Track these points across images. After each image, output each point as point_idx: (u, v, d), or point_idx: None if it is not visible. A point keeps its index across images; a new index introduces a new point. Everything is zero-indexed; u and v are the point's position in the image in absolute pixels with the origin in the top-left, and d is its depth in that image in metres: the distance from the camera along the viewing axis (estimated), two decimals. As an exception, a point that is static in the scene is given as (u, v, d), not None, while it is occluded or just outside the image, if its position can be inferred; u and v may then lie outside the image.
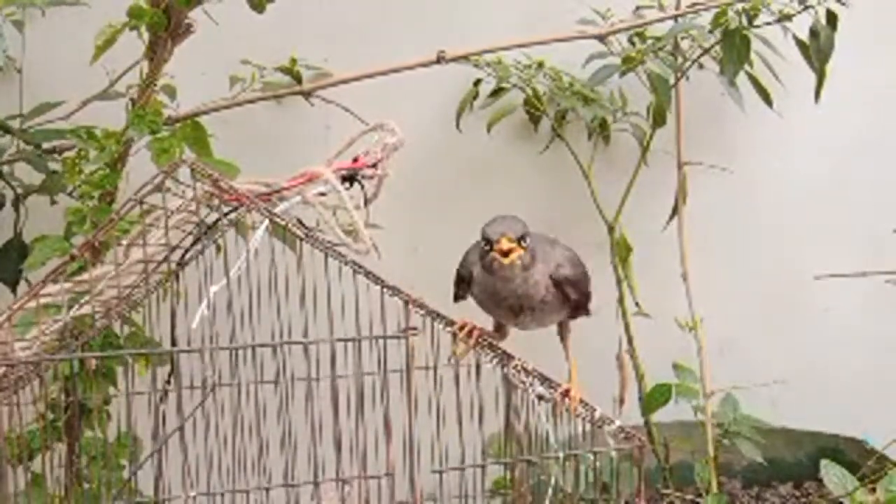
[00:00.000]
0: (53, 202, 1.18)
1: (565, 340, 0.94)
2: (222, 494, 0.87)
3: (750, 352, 1.39)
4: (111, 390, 1.05)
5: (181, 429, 0.84)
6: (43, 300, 0.86)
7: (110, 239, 0.92)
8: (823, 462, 1.12)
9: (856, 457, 1.27)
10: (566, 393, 0.88)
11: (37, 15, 1.22)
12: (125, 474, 1.02)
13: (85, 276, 0.88)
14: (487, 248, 0.87)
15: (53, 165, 1.15)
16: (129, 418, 0.88)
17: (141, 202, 0.84)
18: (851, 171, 1.41)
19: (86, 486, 1.02)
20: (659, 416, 1.28)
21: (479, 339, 0.89)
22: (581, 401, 0.88)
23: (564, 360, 0.93)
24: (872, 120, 1.40)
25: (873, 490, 1.08)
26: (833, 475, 1.10)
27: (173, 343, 0.96)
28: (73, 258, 0.87)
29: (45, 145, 1.17)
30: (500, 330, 0.93)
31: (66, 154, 1.13)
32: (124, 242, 0.88)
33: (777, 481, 1.37)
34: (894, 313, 1.37)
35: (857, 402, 1.39)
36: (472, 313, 0.92)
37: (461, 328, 0.89)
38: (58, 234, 1.03)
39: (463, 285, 0.92)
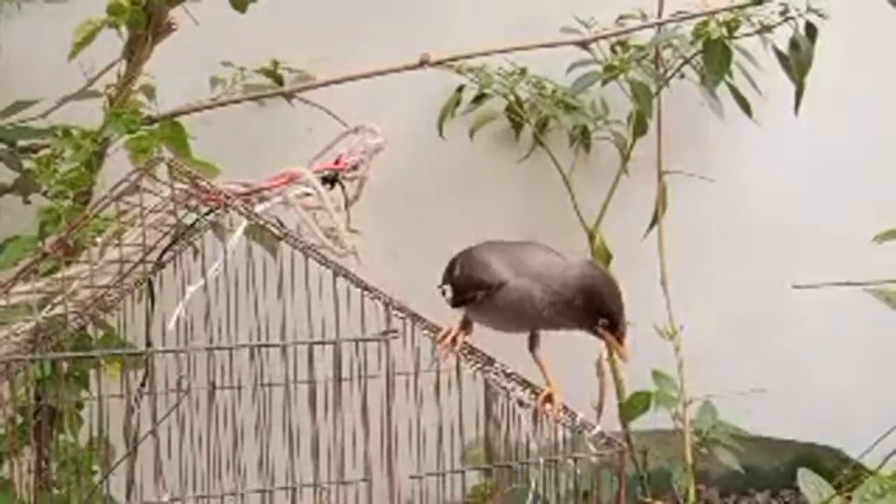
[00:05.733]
0: (27, 202, 1.16)
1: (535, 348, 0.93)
2: (196, 499, 0.86)
3: (728, 360, 1.39)
4: (83, 393, 1.03)
5: (154, 432, 0.82)
6: (14, 300, 0.84)
7: (84, 238, 0.90)
8: (801, 470, 1.12)
9: (832, 465, 1.28)
10: (548, 398, 0.88)
11: (13, 12, 1.21)
12: (97, 479, 1.00)
13: (58, 275, 0.87)
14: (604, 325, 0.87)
15: (28, 164, 1.13)
16: (101, 422, 0.86)
17: (117, 199, 0.83)
18: (831, 181, 1.42)
19: (55, 491, 1.00)
20: (636, 424, 1.28)
21: (462, 345, 0.88)
22: (563, 406, 0.88)
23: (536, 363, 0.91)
24: (852, 130, 1.41)
25: (849, 499, 1.08)
26: (810, 483, 1.11)
27: (148, 345, 0.94)
28: (44, 255, 0.85)
29: (20, 143, 1.15)
30: (466, 326, 0.89)
31: (41, 153, 1.11)
32: (99, 241, 0.87)
33: (754, 489, 1.38)
34: (872, 322, 1.38)
35: (834, 411, 1.39)
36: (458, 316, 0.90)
37: (445, 335, 0.88)
38: (31, 235, 1.02)
39: (479, 293, 0.84)
